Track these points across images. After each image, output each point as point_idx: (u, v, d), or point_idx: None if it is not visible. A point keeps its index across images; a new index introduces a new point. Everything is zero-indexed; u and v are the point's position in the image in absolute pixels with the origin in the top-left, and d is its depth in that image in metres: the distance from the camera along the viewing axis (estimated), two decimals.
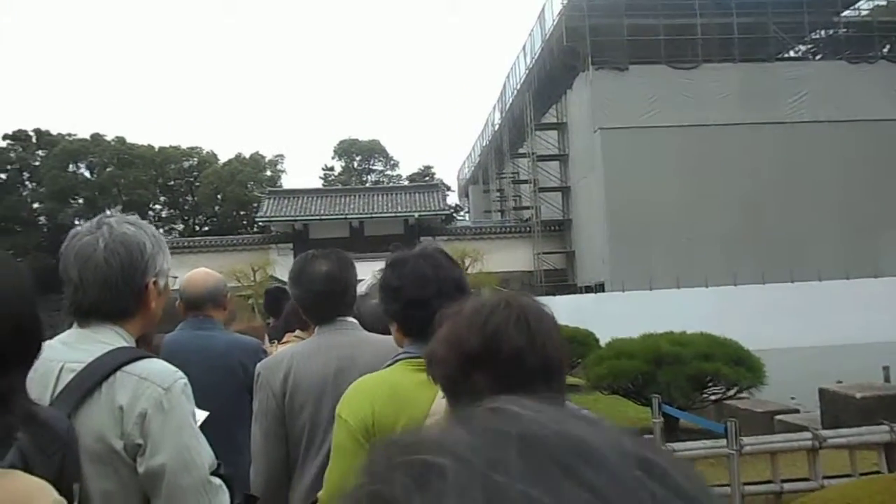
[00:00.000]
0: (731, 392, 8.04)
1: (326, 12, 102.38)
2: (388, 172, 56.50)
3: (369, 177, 55.06)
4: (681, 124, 26.60)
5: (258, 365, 2.35)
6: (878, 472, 6.29)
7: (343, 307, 2.31)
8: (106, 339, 1.52)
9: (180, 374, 1.53)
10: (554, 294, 25.48)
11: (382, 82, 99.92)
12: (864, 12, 30.03)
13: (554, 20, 28.87)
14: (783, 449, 6.29)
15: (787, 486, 6.14)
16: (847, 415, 8.04)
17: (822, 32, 31.11)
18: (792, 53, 31.72)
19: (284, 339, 3.69)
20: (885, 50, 29.30)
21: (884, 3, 29.54)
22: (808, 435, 6.31)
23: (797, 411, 9.77)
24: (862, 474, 6.26)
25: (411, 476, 0.31)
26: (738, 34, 27.73)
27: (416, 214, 29.75)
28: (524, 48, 32.86)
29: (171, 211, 51.01)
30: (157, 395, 1.45)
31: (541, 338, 1.12)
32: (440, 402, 1.65)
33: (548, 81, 30.51)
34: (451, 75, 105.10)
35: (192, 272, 2.99)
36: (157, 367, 1.51)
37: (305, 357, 2.23)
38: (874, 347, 18.63)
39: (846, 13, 29.81)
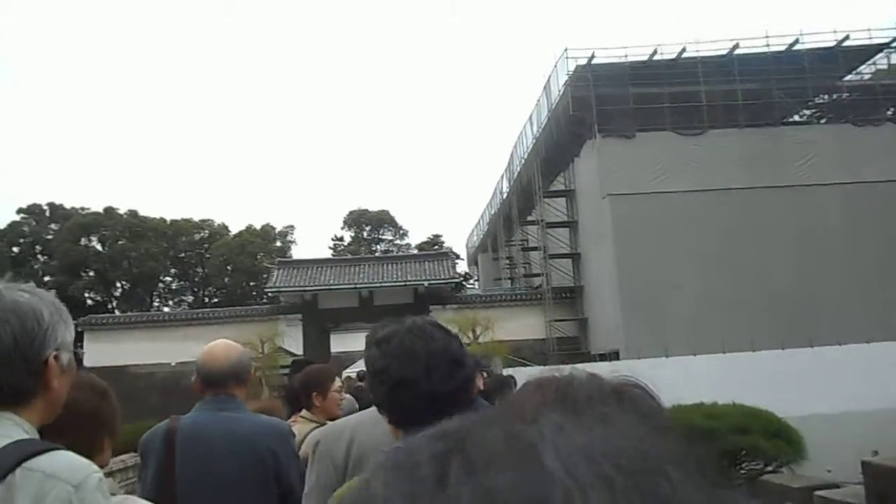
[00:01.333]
0: (770, 468, 7.56)
1: (338, 86, 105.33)
2: (398, 242, 56.80)
3: (379, 246, 55.28)
4: (688, 189, 26.63)
5: (315, 432, 2.15)
6: None
7: None
8: (1, 431, 1.26)
9: (94, 467, 1.29)
10: (568, 362, 24.96)
11: (392, 153, 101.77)
12: (866, 76, 30.43)
13: (560, 90, 29.35)
14: None
15: None
16: (894, 490, 7.53)
17: (826, 97, 31.50)
18: (797, 118, 32.05)
19: (291, 420, 3.43)
20: (890, 112, 29.53)
21: (885, 66, 29.95)
22: None
23: (837, 486, 9.21)
24: None
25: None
26: (742, 100, 28.06)
27: (426, 283, 29.54)
28: (531, 118, 33.34)
29: (181, 283, 51.11)
30: (66, 494, 1.20)
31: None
32: None
33: (555, 150, 30.79)
34: (460, 145, 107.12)
35: (211, 344, 2.64)
36: (65, 461, 1.25)
37: (370, 425, 2.01)
38: None
39: (849, 77, 30.21)
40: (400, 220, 57.97)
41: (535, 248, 33.62)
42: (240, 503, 2.30)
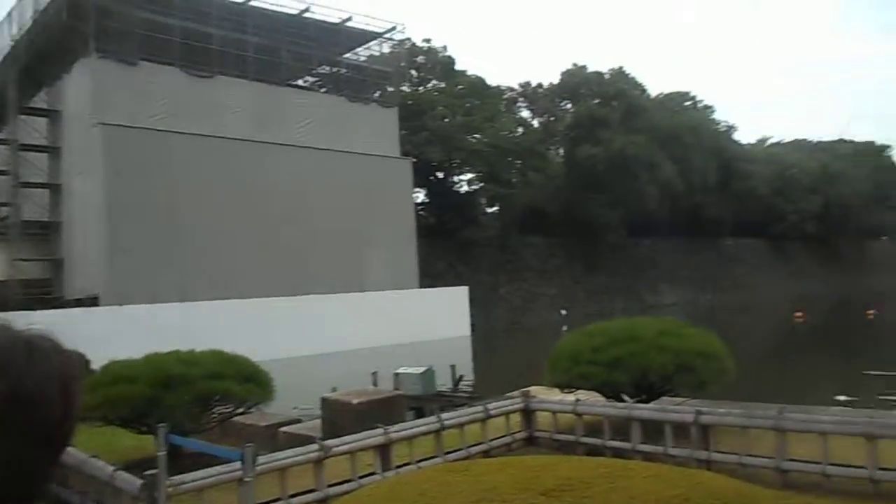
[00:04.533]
0: (241, 410, 7.69)
1: None
2: None
3: None
4: (195, 132, 25.91)
5: None
6: (373, 474, 6.70)
7: None
8: None
9: None
10: (33, 308, 21.70)
11: None
12: (362, 58, 34.22)
13: None
14: (292, 464, 6.20)
15: (294, 500, 6.07)
16: (345, 420, 8.48)
17: (328, 69, 34.39)
18: (301, 82, 34.18)
19: None
20: (377, 94, 33.88)
21: (377, 54, 34.15)
22: (314, 447, 6.36)
23: (300, 421, 10.04)
24: (361, 477, 6.58)
25: None
26: (252, 53, 28.48)
27: None
28: (10, 14, 27.74)
29: None
30: None
31: (76, 405, 0.70)
32: None
33: (39, 59, 26.27)
34: None
35: None
36: None
37: None
38: (361, 353, 21.02)
39: (347, 55, 33.53)
40: None
41: (3, 173, 28.25)
42: None
